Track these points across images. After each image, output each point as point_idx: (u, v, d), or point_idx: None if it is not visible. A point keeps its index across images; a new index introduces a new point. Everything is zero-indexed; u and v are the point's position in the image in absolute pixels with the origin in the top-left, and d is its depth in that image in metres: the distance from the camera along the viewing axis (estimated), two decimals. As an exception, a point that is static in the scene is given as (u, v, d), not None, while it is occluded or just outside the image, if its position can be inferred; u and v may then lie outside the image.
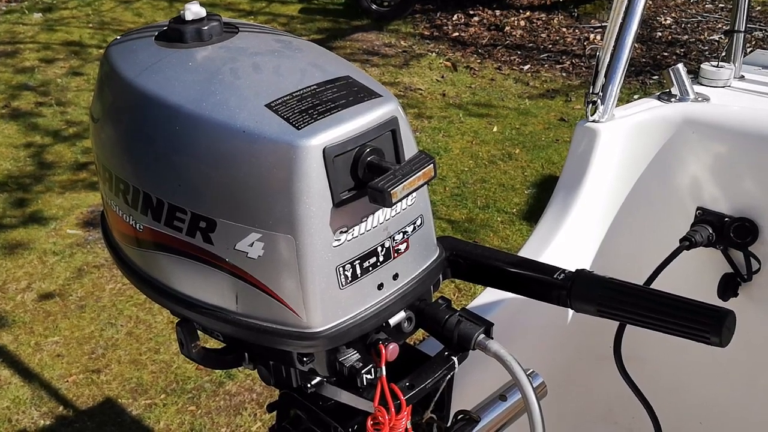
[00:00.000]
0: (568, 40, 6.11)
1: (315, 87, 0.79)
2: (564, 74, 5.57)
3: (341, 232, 0.78)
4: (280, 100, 0.76)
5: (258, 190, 0.74)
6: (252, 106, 0.75)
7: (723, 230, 1.32)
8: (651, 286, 1.19)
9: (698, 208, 1.36)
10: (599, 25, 6.20)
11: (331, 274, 0.78)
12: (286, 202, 0.73)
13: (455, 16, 6.57)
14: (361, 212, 0.80)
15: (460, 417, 0.99)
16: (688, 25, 6.26)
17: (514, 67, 5.69)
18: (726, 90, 1.51)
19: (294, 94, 0.77)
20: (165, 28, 0.86)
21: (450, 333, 0.93)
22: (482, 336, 0.92)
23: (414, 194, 0.84)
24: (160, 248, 0.81)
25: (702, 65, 1.56)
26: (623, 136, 1.34)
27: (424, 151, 0.83)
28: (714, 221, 1.33)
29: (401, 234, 0.87)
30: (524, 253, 1.21)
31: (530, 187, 4.24)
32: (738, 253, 1.33)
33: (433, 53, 5.99)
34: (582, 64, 5.67)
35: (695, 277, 1.38)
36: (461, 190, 4.21)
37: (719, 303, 1.34)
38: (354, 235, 0.81)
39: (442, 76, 5.57)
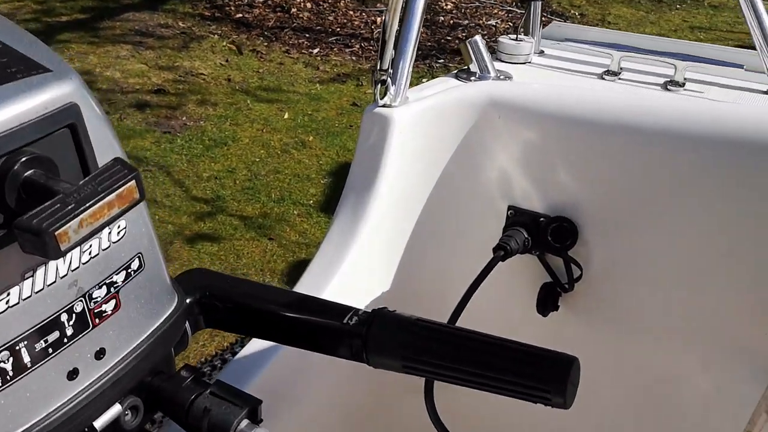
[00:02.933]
0: (356, 23, 5.99)
1: None
2: (354, 58, 5.44)
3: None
4: None
5: None
6: None
7: (539, 233, 1.13)
8: (466, 310, 0.97)
9: (510, 208, 1.16)
10: (385, 8, 6.14)
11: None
12: None
13: (238, -4, 6.19)
14: (22, 263, 0.48)
15: None
16: (468, 10, 6.40)
17: (303, 51, 5.49)
18: (528, 67, 1.33)
19: None
20: None
21: (198, 422, 0.63)
22: (245, 423, 0.64)
23: (120, 225, 0.53)
24: None
25: (500, 39, 1.37)
26: (421, 122, 1.10)
27: (123, 159, 0.52)
28: (528, 223, 1.13)
29: (104, 288, 0.56)
30: (305, 284, 0.92)
31: (326, 176, 4.05)
32: (557, 259, 1.15)
33: (216, 35, 5.62)
34: (371, 47, 5.56)
35: (513, 289, 1.18)
36: (253, 182, 3.94)
37: (538, 319, 1.16)
38: (11, 303, 0.49)
39: (227, 60, 5.24)
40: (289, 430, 0.71)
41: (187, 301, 0.68)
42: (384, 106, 1.07)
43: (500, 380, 0.68)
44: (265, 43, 5.52)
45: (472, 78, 1.21)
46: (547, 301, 1.14)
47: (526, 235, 1.12)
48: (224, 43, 5.45)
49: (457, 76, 1.23)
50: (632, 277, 1.08)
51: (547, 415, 1.24)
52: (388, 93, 1.06)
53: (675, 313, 1.06)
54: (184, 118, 4.47)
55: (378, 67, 1.03)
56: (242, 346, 0.92)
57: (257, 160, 4.06)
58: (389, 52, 1.04)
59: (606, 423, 1.09)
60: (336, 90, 4.92)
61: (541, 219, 1.14)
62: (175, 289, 0.66)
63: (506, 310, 1.18)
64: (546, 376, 0.67)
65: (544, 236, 1.12)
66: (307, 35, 5.67)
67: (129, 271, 0.57)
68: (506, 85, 1.16)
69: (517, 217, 1.15)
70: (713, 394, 1.04)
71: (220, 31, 5.68)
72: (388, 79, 1.04)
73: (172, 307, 0.64)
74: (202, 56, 5.24)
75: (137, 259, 0.58)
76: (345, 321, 0.71)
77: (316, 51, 5.43)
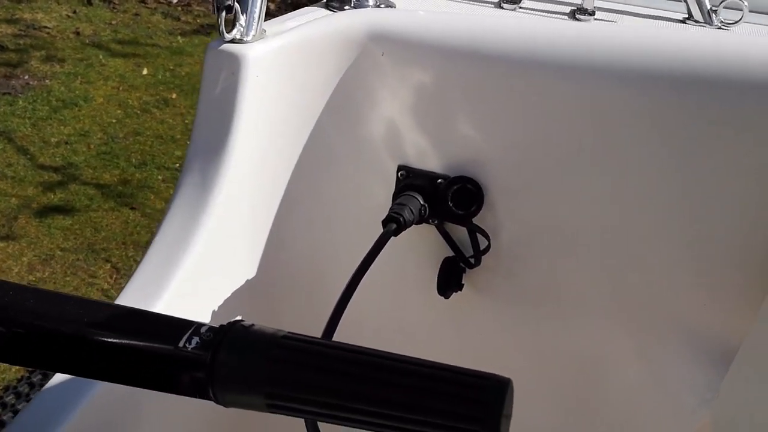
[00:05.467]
0: (221, -31, 5.60)
1: None
2: (219, 7, 5.10)
3: None
4: None
5: None
6: None
7: (437, 198, 0.91)
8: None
9: (400, 168, 0.94)
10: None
11: None
12: None
13: (86, -59, 5.65)
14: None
15: None
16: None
17: (161, 0, 5.12)
18: (414, -6, 1.11)
19: None
20: None
21: None
22: None
23: None
24: None
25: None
26: (283, 61, 0.85)
27: None
28: (424, 186, 0.91)
29: None
30: (132, 291, 0.66)
31: (192, 137, 3.75)
32: (460, 229, 0.94)
33: (62, -16, 5.13)
34: (238, -5, 5.22)
35: (406, 268, 0.97)
36: (110, 146, 3.63)
37: (439, 301, 0.96)
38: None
39: (75, 11, 4.81)
40: None
41: None
42: (233, 41, 0.82)
43: (405, 419, 0.47)
44: (119, -8, 5.12)
45: (347, 7, 0.97)
46: (450, 279, 0.94)
47: (421, 202, 0.90)
48: (71, -8, 5.00)
49: (327, 5, 0.99)
50: (550, 247, 0.89)
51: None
52: (237, 24, 0.80)
53: (604, 289, 0.88)
54: (26, 77, 4.04)
55: (220, -12, 0.77)
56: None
57: (114, 121, 3.70)
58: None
59: (523, 417, 0.91)
60: (200, 42, 4.59)
61: (440, 181, 0.92)
62: None
63: (398, 293, 0.97)
64: (472, 412, 0.46)
65: (443, 201, 0.91)
66: (166, -17, 5.31)
67: None
68: (389, 13, 0.93)
69: (410, 180, 0.93)
70: (648, 382, 0.88)
71: (65, -21, 5.18)
72: (236, 4, 0.79)
73: None
74: (45, 7, 4.78)
75: None
76: (182, 344, 0.48)
77: (176, 0, 5.09)
